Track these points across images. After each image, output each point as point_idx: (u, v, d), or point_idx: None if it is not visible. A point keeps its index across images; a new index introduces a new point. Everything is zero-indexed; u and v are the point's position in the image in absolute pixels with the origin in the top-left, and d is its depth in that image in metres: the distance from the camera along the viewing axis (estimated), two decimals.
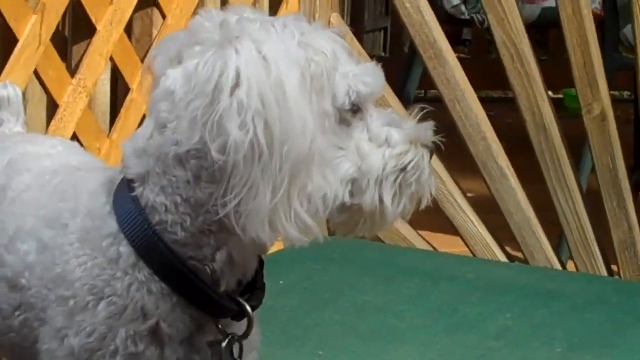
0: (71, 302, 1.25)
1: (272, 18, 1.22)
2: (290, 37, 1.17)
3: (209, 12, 1.20)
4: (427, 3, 3.04)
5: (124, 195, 1.24)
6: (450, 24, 3.89)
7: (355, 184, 1.21)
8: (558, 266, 3.05)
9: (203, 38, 1.16)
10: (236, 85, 1.10)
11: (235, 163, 1.10)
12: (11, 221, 1.39)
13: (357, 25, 4.20)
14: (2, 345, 1.44)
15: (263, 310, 1.30)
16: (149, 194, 1.21)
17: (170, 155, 1.17)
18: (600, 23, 3.24)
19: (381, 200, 1.21)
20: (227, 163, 1.11)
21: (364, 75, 1.22)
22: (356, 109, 1.22)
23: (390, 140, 1.24)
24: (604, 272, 2.98)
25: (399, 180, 1.22)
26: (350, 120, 1.21)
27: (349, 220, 1.23)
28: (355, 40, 2.79)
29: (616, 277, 2.99)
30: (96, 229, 1.26)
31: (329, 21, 2.79)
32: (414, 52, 3.38)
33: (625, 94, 3.47)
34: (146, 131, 1.20)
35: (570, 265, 3.07)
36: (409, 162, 1.24)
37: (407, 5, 2.98)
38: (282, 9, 2.99)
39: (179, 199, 1.19)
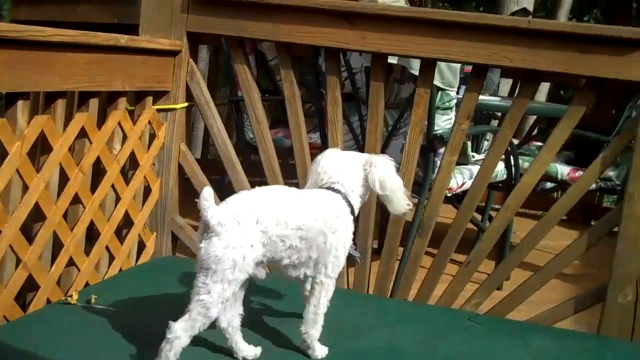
0: None
1: (381, 156, 2.16)
2: (390, 160, 2.15)
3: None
4: None
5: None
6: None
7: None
8: None
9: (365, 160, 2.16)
10: (379, 176, 2.12)
11: (380, 192, 2.13)
12: None
13: None
14: None
15: None
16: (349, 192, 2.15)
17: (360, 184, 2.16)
18: None
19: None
20: (378, 192, 2.14)
21: None
22: None
23: None
24: None
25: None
26: None
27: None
28: None
29: None
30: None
31: None
32: None
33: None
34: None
35: None
36: None
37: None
38: None
39: (360, 193, 2.16)
